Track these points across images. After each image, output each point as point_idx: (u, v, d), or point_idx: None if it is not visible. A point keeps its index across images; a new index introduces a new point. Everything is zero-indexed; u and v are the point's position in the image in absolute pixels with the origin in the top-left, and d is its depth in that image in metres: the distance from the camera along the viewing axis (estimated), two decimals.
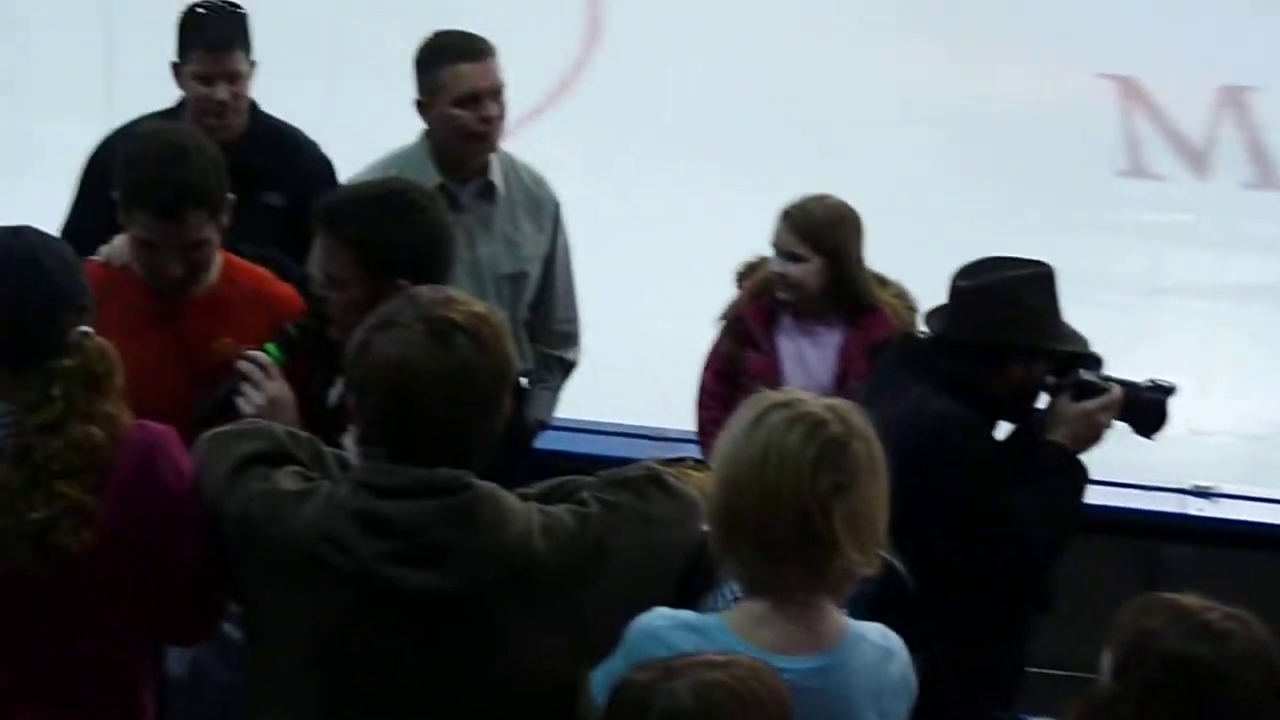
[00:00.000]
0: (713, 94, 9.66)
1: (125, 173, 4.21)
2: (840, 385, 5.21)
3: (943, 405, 4.44)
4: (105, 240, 4.44)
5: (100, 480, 3.08)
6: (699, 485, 3.23)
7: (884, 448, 3.00)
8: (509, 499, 3.08)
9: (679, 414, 5.77)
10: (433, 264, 4.06)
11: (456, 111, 5.17)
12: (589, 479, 3.25)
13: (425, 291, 3.16)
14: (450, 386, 3.02)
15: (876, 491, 2.96)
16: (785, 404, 2.97)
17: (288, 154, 5.35)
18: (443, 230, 4.16)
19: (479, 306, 3.11)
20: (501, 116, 5.21)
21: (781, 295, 5.37)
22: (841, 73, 10.62)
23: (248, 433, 3.25)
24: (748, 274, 5.52)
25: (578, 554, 3.08)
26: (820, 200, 5.35)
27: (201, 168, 4.15)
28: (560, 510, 3.12)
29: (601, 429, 6.21)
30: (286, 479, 3.12)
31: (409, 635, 3.04)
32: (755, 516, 2.91)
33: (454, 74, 5.16)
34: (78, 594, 3.13)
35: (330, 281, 4.06)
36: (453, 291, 3.19)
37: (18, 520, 3.03)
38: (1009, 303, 4.47)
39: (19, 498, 3.03)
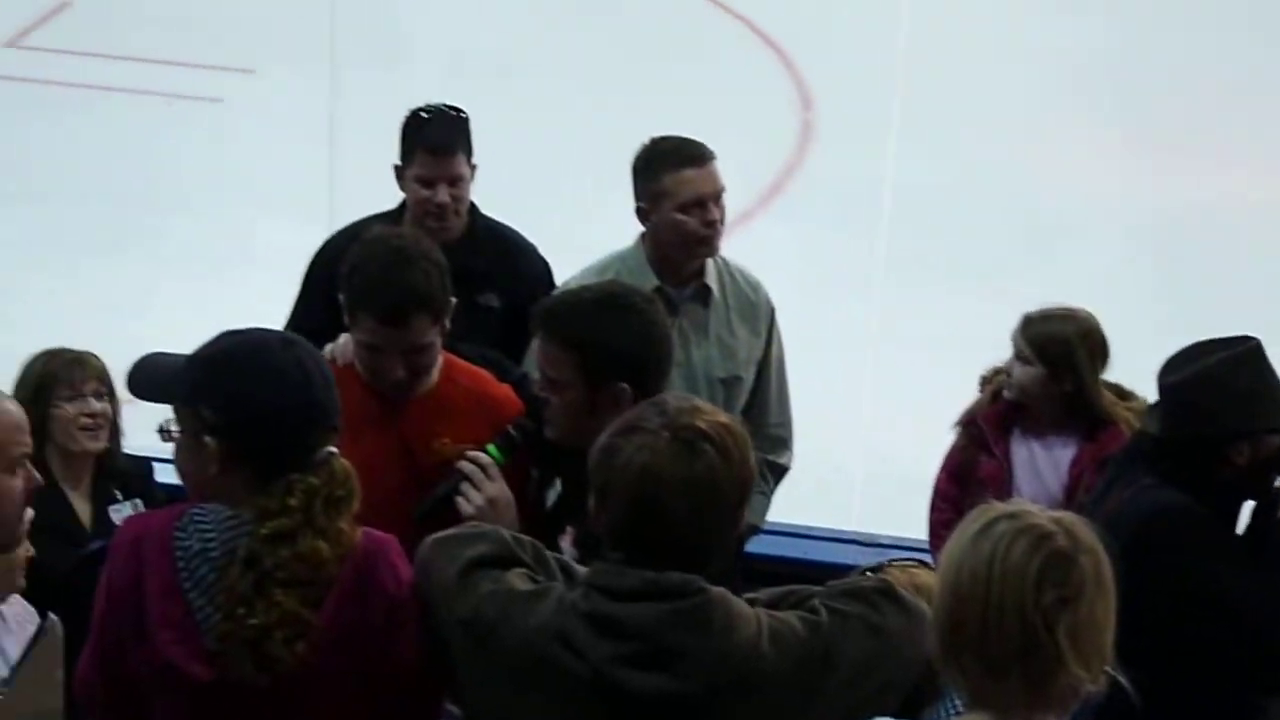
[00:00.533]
0: (925, 195, 9.62)
1: (351, 278, 4.26)
2: (1069, 497, 5.15)
3: (1165, 496, 4.38)
4: (329, 337, 4.51)
5: (321, 594, 3.11)
6: (928, 585, 3.20)
7: (1109, 538, 2.95)
8: (739, 604, 3.09)
9: (892, 520, 5.74)
10: (651, 368, 4.07)
11: (681, 217, 5.19)
12: (818, 588, 3.25)
13: (672, 399, 3.19)
14: (695, 496, 3.03)
15: (1103, 607, 2.89)
16: (1012, 515, 2.92)
17: (507, 256, 5.40)
18: (662, 334, 4.15)
19: (724, 416, 3.14)
20: (722, 220, 5.22)
21: (1008, 395, 5.34)
22: (1060, 173, 10.56)
23: (474, 536, 3.27)
24: (990, 379, 5.47)
25: (805, 660, 3.08)
26: (1061, 311, 5.31)
27: (426, 273, 4.20)
28: (790, 616, 3.12)
29: (813, 534, 6.17)
30: (518, 580, 3.14)
31: None
32: (978, 628, 2.87)
33: (678, 180, 5.18)
34: (299, 701, 3.15)
35: (549, 383, 4.08)
36: (699, 400, 3.20)
37: (237, 625, 3.07)
38: (1217, 390, 4.39)
39: (241, 603, 3.07)
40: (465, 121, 5.49)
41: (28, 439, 3.38)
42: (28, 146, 10.75)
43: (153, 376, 3.30)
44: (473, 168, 5.47)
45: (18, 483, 3.35)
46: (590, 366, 4.01)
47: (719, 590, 3.07)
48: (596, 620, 3.05)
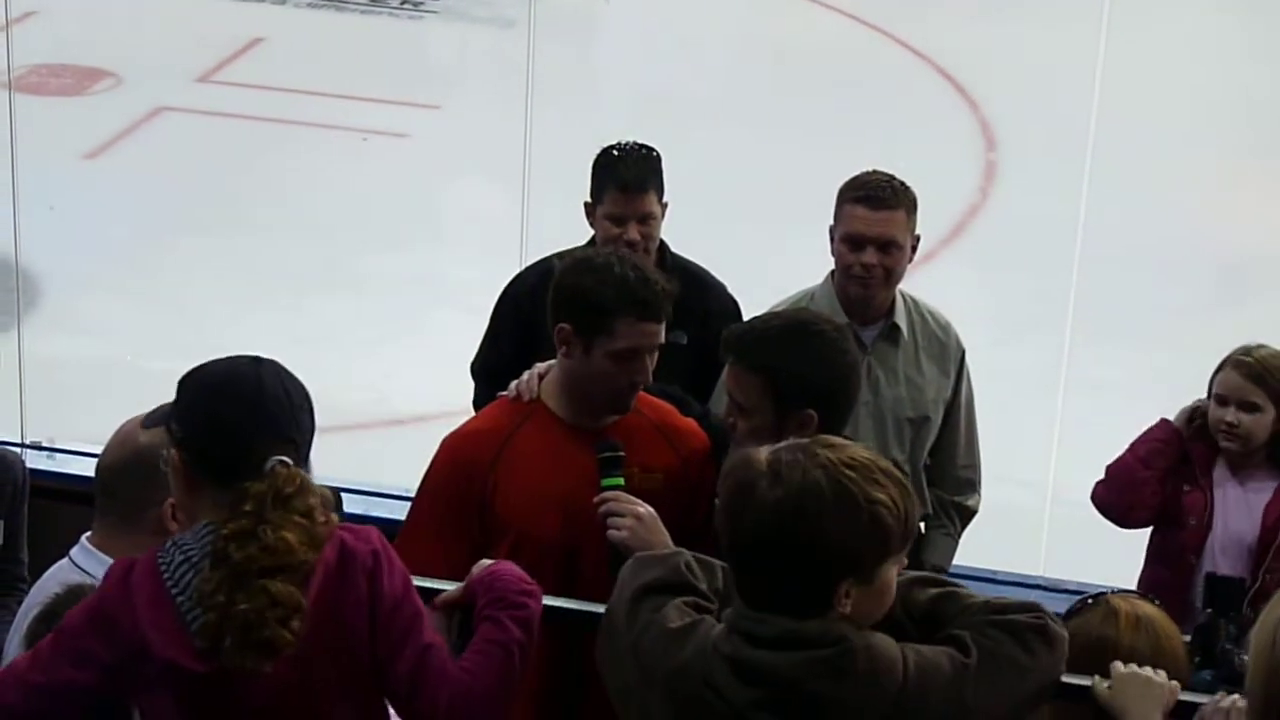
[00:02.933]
0: (1114, 238, 9.51)
1: (590, 296, 4.22)
2: (1264, 539, 5.05)
3: None
4: (517, 373, 4.53)
5: (305, 579, 3.21)
6: (1149, 616, 3.15)
7: None
8: (884, 650, 3.06)
9: (1079, 565, 5.66)
10: (839, 396, 4.13)
11: (842, 248, 5.17)
12: (978, 600, 3.22)
13: (805, 440, 3.15)
14: (821, 529, 3.01)
15: None
16: None
17: (696, 293, 5.39)
18: (850, 363, 4.19)
19: (860, 453, 3.09)
20: (887, 267, 5.12)
21: (1226, 445, 5.24)
22: (1252, 218, 10.40)
23: (650, 562, 3.31)
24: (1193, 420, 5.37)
25: (948, 704, 3.06)
26: (1263, 348, 5.23)
27: (657, 271, 4.32)
28: (940, 657, 3.10)
29: (999, 578, 6.10)
30: (674, 612, 3.16)
31: None
32: None
33: (848, 213, 5.15)
34: (300, 689, 3.25)
35: (737, 408, 4.10)
36: (834, 438, 3.18)
37: (220, 614, 3.15)
38: None
39: (219, 592, 3.16)
40: (657, 160, 5.51)
41: None
42: (219, 180, 10.94)
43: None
44: (664, 206, 5.49)
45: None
46: (779, 392, 4.05)
47: (862, 637, 3.05)
48: (740, 666, 3.06)
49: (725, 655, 3.07)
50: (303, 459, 3.31)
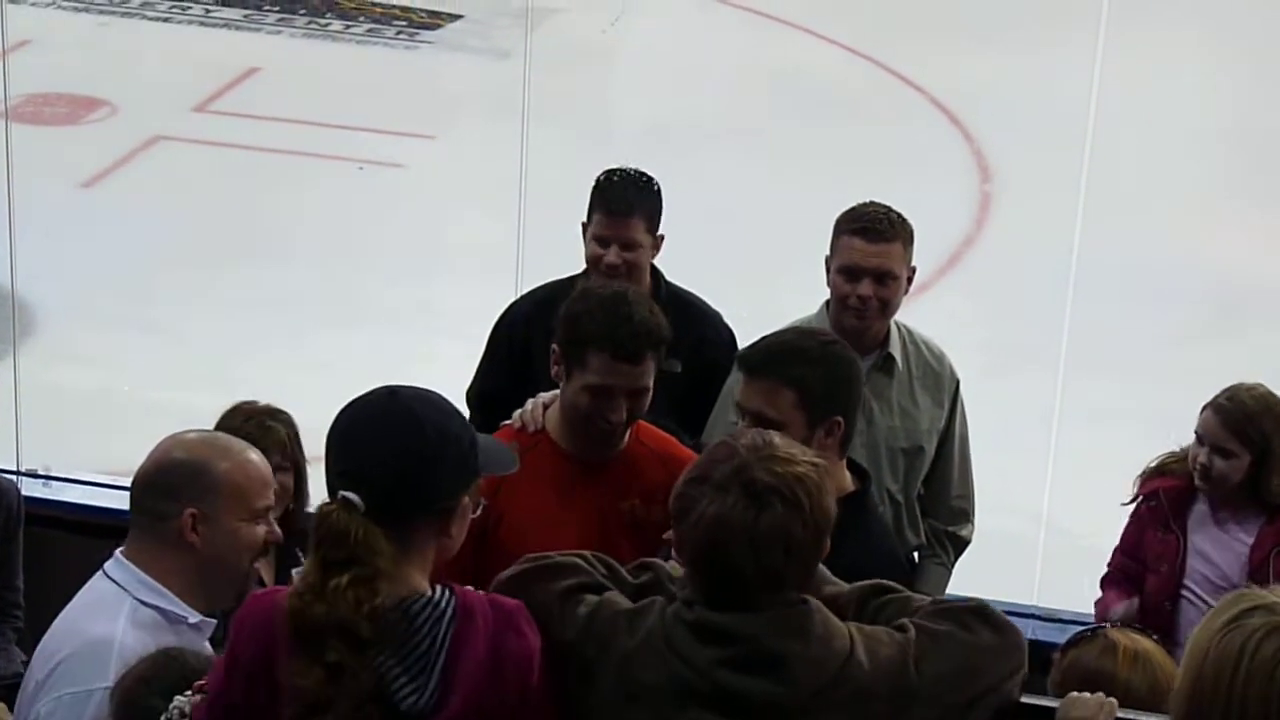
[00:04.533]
0: (1108, 272, 9.53)
1: (578, 321, 4.29)
2: (1253, 578, 5.04)
3: None
4: (513, 401, 4.55)
5: None
6: (1147, 650, 3.15)
7: None
8: (833, 617, 3.18)
9: (1073, 595, 5.67)
10: (856, 402, 4.26)
11: (838, 279, 5.18)
12: (914, 595, 3.34)
13: (745, 442, 3.22)
14: (761, 548, 3.10)
15: None
16: (1269, 608, 2.83)
17: (691, 322, 5.40)
18: (860, 370, 4.35)
19: (799, 462, 3.17)
20: (883, 298, 5.13)
21: (1201, 487, 5.23)
22: (1249, 250, 10.42)
23: (556, 568, 3.33)
24: (1180, 459, 5.36)
25: (896, 675, 3.14)
26: (1251, 390, 5.20)
27: (654, 313, 4.31)
28: (878, 631, 3.20)
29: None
30: (618, 599, 3.25)
31: None
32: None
33: (844, 245, 5.16)
34: None
35: (767, 424, 4.07)
36: (776, 442, 3.23)
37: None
38: None
39: None
40: (650, 189, 5.52)
41: (271, 494, 3.69)
42: (215, 210, 10.95)
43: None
44: (657, 237, 5.49)
45: (259, 530, 3.63)
46: (810, 402, 4.12)
47: (816, 602, 3.18)
48: (700, 628, 3.14)
49: (687, 621, 3.16)
50: None
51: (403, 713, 3.05)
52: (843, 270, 5.15)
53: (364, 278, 10.17)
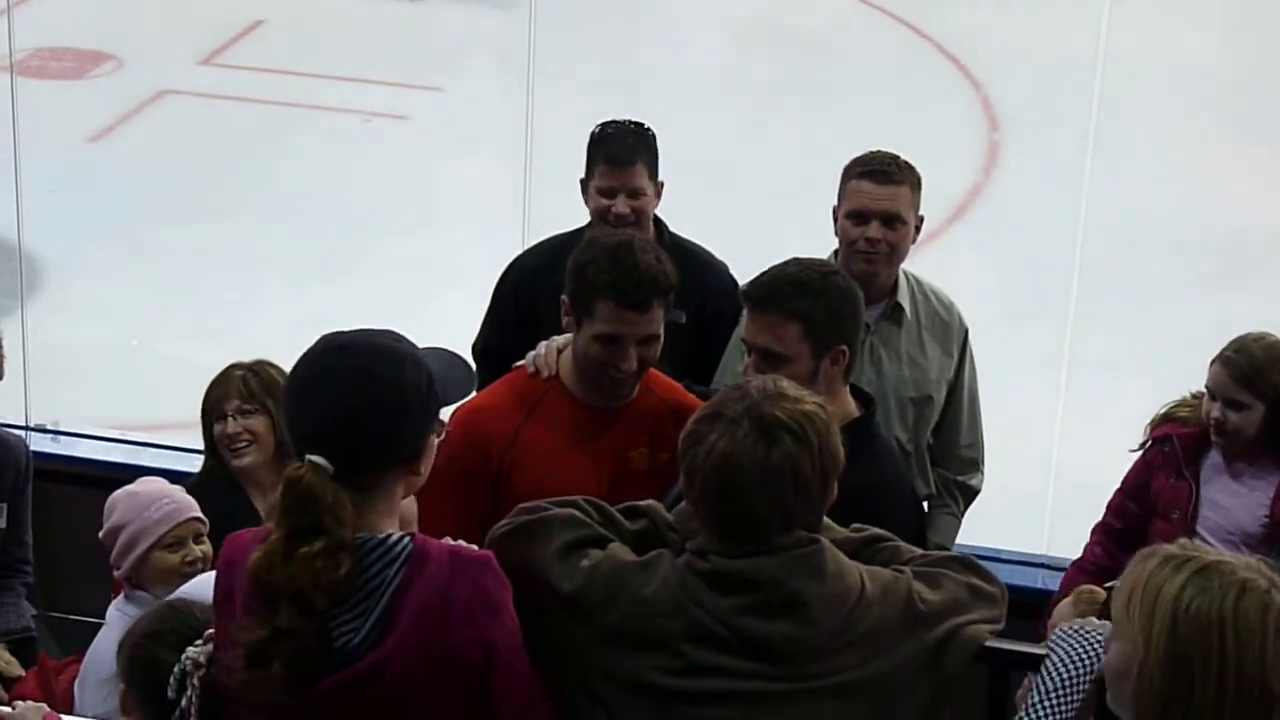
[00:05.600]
0: (1117, 217, 9.50)
1: (585, 270, 4.28)
2: (1272, 533, 5.04)
3: None
4: (517, 354, 4.54)
5: None
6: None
7: None
8: (840, 553, 3.24)
9: (1082, 544, 5.66)
10: (858, 329, 4.29)
11: (846, 224, 5.16)
12: (910, 549, 3.42)
13: (756, 384, 3.27)
14: (772, 483, 3.15)
15: None
16: (1213, 566, 2.79)
17: (695, 271, 5.38)
18: (859, 297, 4.34)
19: (808, 402, 3.22)
20: (892, 243, 5.10)
21: (1217, 441, 5.20)
22: (1257, 197, 10.39)
23: (549, 525, 3.31)
24: (1193, 406, 5.34)
25: (902, 605, 3.23)
26: (1259, 340, 5.17)
27: (661, 260, 4.29)
28: (881, 570, 3.29)
29: (1002, 556, 6.09)
30: (621, 551, 3.26)
31: (762, 680, 3.15)
32: (1214, 697, 2.74)
33: (853, 189, 5.14)
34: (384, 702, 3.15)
35: (775, 358, 4.14)
36: (785, 384, 3.28)
37: None
38: None
39: None
40: (648, 136, 5.52)
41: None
42: (221, 162, 10.94)
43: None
44: (658, 184, 5.49)
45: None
46: (817, 332, 4.15)
47: (826, 541, 3.22)
48: (717, 577, 3.16)
49: (702, 572, 3.18)
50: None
51: (335, 649, 3.02)
52: (851, 214, 5.13)
53: (369, 230, 10.16)
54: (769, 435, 3.15)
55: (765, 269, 4.38)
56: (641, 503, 3.45)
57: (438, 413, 3.18)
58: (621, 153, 5.44)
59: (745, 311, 4.32)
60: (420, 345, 3.22)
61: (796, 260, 4.51)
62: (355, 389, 3.06)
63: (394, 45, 12.90)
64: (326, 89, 12.03)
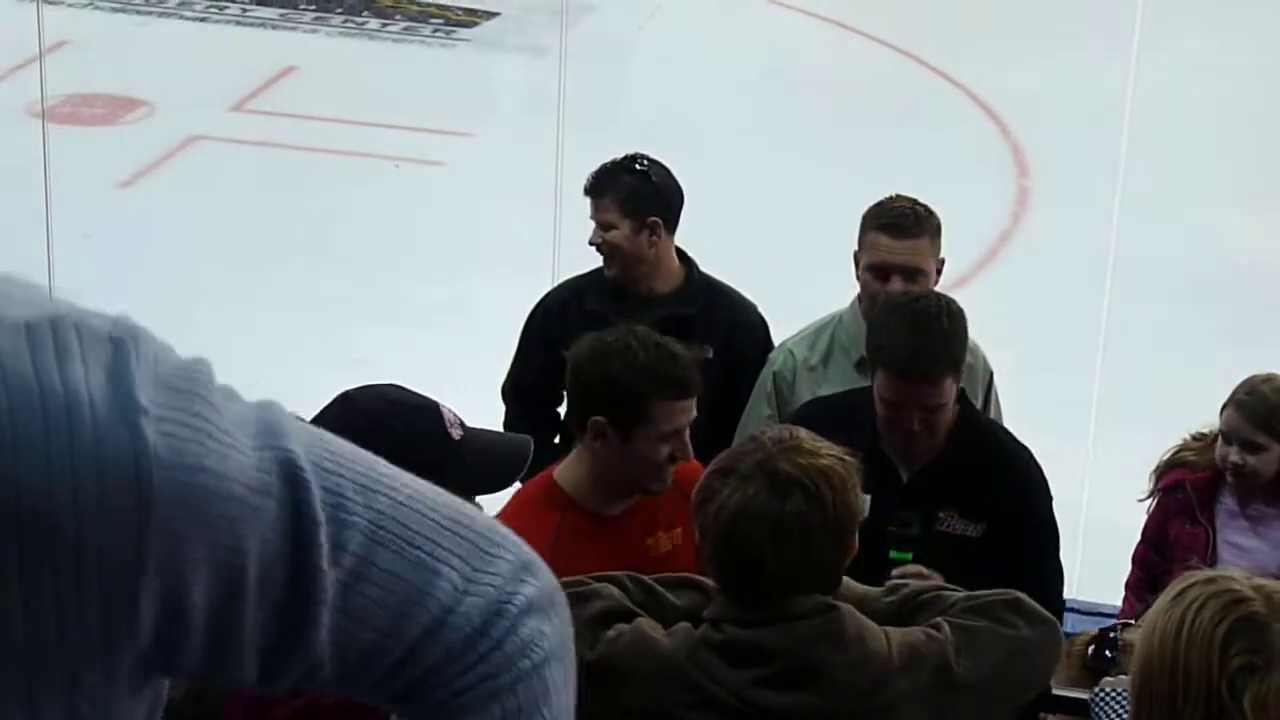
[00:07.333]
0: (1147, 265, 9.50)
1: (621, 383, 4.09)
2: None
3: None
4: (547, 393, 4.53)
5: None
6: None
7: None
8: (866, 619, 3.15)
9: (1112, 589, 5.65)
10: None
11: (867, 277, 5.17)
12: (954, 593, 3.29)
13: (772, 435, 3.22)
14: (782, 539, 3.08)
15: None
16: (1208, 580, 2.87)
17: (722, 309, 5.43)
18: None
19: (824, 456, 3.15)
20: None
21: (1236, 485, 5.20)
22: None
23: (586, 594, 3.30)
24: (1199, 446, 5.35)
25: (935, 676, 3.11)
26: (1268, 382, 5.18)
27: (687, 346, 4.23)
28: (913, 632, 3.17)
29: None
30: (646, 625, 3.21)
31: None
32: (1167, 693, 2.82)
33: (871, 242, 5.15)
34: None
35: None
36: (803, 436, 3.22)
37: None
38: None
39: None
40: (631, 172, 5.52)
41: None
42: (252, 209, 10.98)
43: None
44: (647, 222, 5.44)
45: None
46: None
47: (847, 606, 3.14)
48: (731, 649, 3.10)
49: (715, 644, 3.12)
50: None
51: None
52: (871, 268, 5.14)
53: (401, 276, 10.19)
54: (780, 491, 3.09)
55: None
56: (695, 576, 3.38)
57: (454, 475, 3.19)
58: (591, 185, 5.52)
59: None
60: (480, 428, 3.25)
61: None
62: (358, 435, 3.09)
63: (426, 91, 12.95)
64: (358, 135, 12.08)
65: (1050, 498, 4.73)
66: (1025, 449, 4.77)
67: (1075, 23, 13.15)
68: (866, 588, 3.35)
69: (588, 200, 5.53)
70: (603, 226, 5.47)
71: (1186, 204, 10.78)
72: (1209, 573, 2.91)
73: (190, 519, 1.42)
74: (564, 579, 3.33)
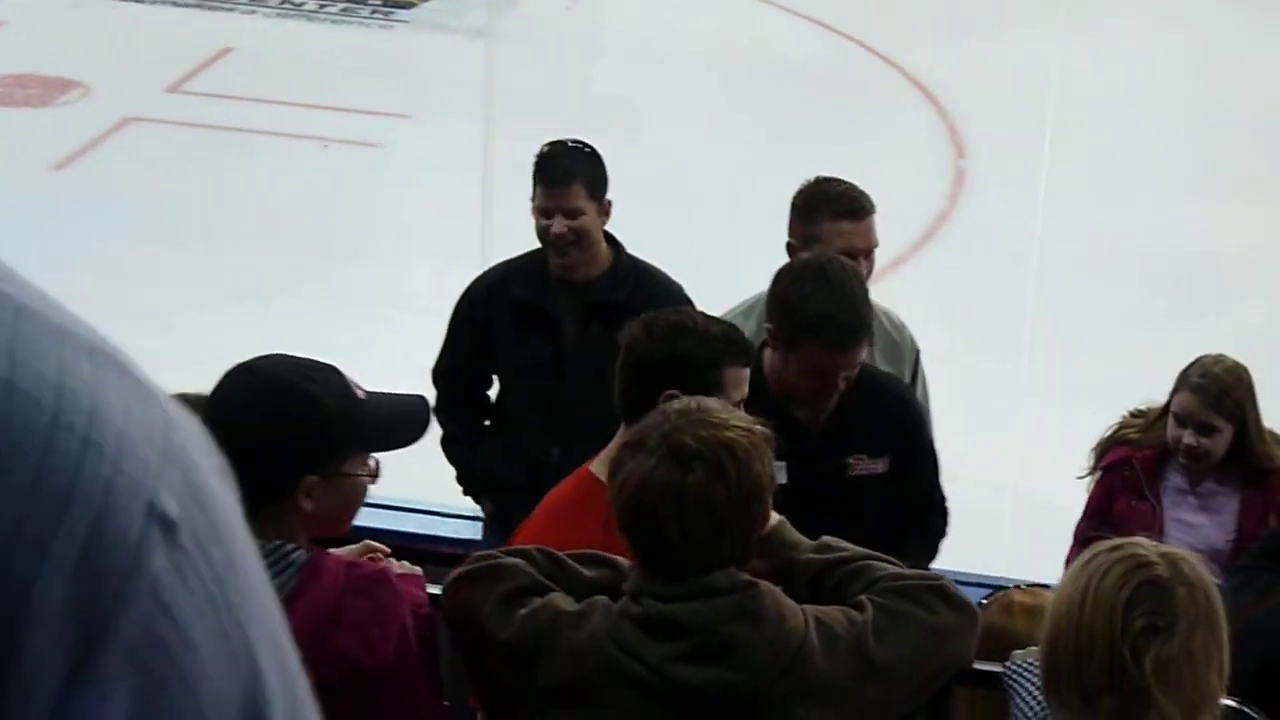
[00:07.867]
0: (1078, 247, 9.54)
1: (693, 356, 4.04)
2: (1240, 544, 5.07)
3: None
4: (477, 377, 4.51)
5: None
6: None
7: (1238, 648, 2.89)
8: (786, 598, 3.15)
9: (1040, 567, 5.68)
10: None
11: None
12: (882, 566, 3.28)
13: (677, 407, 3.20)
14: (685, 511, 3.06)
15: (1201, 643, 2.84)
16: (1115, 547, 2.91)
17: (650, 292, 5.41)
18: None
19: (730, 428, 3.13)
20: (869, 275, 5.16)
21: (1191, 467, 5.23)
22: (1215, 226, 10.42)
23: (495, 570, 3.29)
24: (1140, 424, 5.37)
25: (852, 657, 3.12)
26: (1219, 363, 5.21)
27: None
28: (835, 612, 3.17)
29: (961, 579, 6.09)
30: (561, 600, 3.20)
31: None
32: (1072, 657, 2.85)
33: (834, 230, 5.15)
34: None
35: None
36: (713, 408, 3.21)
37: None
38: None
39: None
40: (587, 155, 5.52)
41: None
42: (188, 190, 10.92)
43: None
44: (603, 203, 5.45)
45: None
46: None
47: (765, 583, 3.13)
48: (650, 622, 3.10)
49: (634, 617, 3.11)
50: None
51: None
52: (842, 255, 5.15)
53: (335, 257, 10.16)
54: (684, 465, 3.08)
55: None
56: (608, 554, 3.37)
57: (356, 444, 3.22)
58: (556, 174, 5.44)
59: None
60: (376, 390, 3.26)
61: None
62: (259, 399, 3.18)
63: (364, 72, 12.90)
64: (295, 116, 12.03)
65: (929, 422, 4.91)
66: (898, 378, 4.99)
67: (1014, 5, 13.20)
68: (800, 537, 3.35)
69: (536, 190, 5.43)
70: (569, 214, 5.39)
71: (1119, 185, 10.83)
72: (1118, 540, 2.93)
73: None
74: (473, 554, 3.36)
